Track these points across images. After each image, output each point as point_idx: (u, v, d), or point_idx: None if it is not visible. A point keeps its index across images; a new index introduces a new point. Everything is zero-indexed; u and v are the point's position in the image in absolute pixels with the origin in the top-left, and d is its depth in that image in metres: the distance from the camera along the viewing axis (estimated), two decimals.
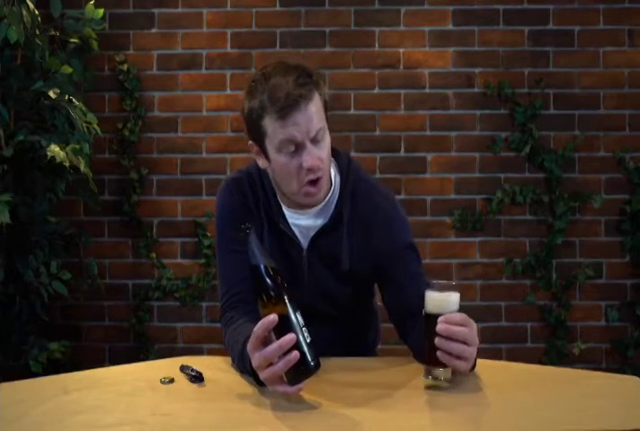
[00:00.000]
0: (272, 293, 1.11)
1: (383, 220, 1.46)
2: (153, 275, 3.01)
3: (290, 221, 1.46)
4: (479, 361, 1.45)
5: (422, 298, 1.24)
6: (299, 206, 1.44)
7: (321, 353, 1.15)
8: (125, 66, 2.99)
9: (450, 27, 3.00)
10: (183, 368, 1.29)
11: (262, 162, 1.42)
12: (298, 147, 1.33)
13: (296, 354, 1.07)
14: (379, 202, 1.48)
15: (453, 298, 1.22)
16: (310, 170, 1.33)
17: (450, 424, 1.02)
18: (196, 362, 1.33)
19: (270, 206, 1.46)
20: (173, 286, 2.99)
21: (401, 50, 3.00)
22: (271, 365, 1.10)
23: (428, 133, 3.01)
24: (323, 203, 1.46)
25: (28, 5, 2.43)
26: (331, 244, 1.45)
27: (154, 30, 3.03)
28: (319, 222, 1.46)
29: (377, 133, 2.98)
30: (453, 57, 3.00)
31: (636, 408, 1.09)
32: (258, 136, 1.37)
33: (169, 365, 1.34)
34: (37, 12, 2.50)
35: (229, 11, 3.02)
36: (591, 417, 1.04)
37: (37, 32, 2.48)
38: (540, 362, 2.90)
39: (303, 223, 1.46)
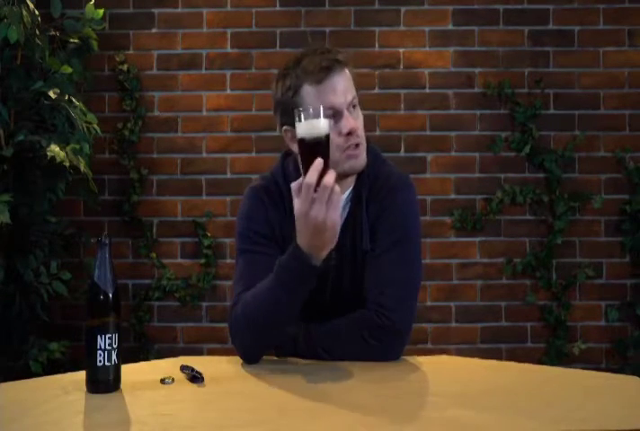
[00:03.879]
0: (94, 307, 1.17)
1: (384, 189, 1.46)
2: (153, 275, 3.01)
3: None
4: (479, 361, 1.45)
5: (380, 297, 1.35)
6: None
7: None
8: (125, 66, 2.99)
9: (450, 27, 3.00)
10: (183, 368, 1.29)
11: (295, 147, 1.41)
12: (336, 115, 1.37)
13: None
14: (385, 175, 1.48)
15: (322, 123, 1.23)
16: (350, 133, 1.36)
17: (449, 424, 1.02)
18: (196, 362, 1.33)
19: None
20: (173, 286, 2.99)
21: (401, 50, 3.00)
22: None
23: (428, 133, 3.01)
24: (348, 191, 1.46)
25: (28, 5, 2.43)
26: (355, 232, 1.45)
27: (154, 30, 3.03)
28: (346, 212, 1.47)
29: (378, 133, 2.98)
30: (453, 57, 3.00)
31: (636, 408, 1.09)
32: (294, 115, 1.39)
33: (169, 365, 1.34)
34: (37, 12, 2.50)
35: (229, 11, 3.02)
36: (591, 417, 1.04)
37: (37, 32, 2.48)
38: (540, 362, 2.90)
39: None
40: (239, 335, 1.37)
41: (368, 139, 1.48)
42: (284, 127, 1.44)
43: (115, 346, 1.16)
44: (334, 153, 1.37)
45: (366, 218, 1.45)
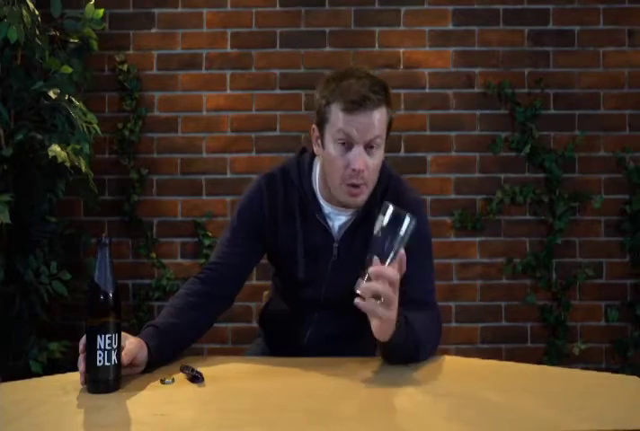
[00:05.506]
0: (94, 307, 1.17)
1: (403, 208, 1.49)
2: (153, 275, 3.02)
3: (327, 213, 1.53)
4: (479, 361, 1.45)
5: (421, 290, 1.40)
6: (340, 205, 1.50)
7: (325, 347, 1.32)
8: (125, 66, 2.99)
9: (450, 27, 3.00)
10: (183, 368, 1.29)
11: (317, 149, 1.49)
12: (351, 145, 1.40)
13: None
14: (402, 192, 1.53)
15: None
16: (355, 171, 1.39)
17: (449, 424, 1.02)
18: (196, 362, 1.33)
19: (307, 199, 1.52)
20: (173, 286, 2.99)
21: (401, 50, 3.01)
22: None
23: (428, 133, 3.01)
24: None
25: (28, 5, 2.43)
26: (362, 237, 1.49)
27: (154, 30, 3.03)
28: (354, 218, 1.53)
29: None
30: (453, 57, 3.00)
31: (636, 408, 1.09)
32: (321, 121, 1.44)
33: (169, 365, 1.34)
34: (37, 12, 2.50)
35: (229, 11, 3.02)
36: (591, 417, 1.04)
37: (37, 32, 2.48)
38: (540, 362, 2.90)
39: (342, 219, 1.53)
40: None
41: (387, 172, 1.53)
42: (313, 126, 1.49)
43: (115, 346, 1.16)
44: (335, 177, 1.44)
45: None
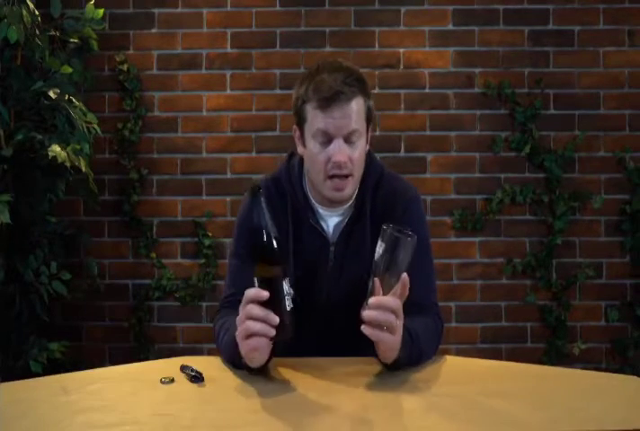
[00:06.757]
0: (268, 255, 1.15)
1: (400, 206, 1.51)
2: (153, 275, 3.01)
3: (321, 215, 1.52)
4: (479, 361, 1.45)
5: (421, 291, 1.36)
6: (330, 204, 1.50)
7: (325, 347, 1.33)
8: (125, 66, 2.99)
9: (450, 27, 3.00)
10: (183, 368, 1.29)
11: (300, 149, 1.49)
12: (330, 140, 1.40)
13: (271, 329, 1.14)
14: (399, 190, 1.53)
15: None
16: (336, 163, 1.39)
17: (450, 424, 1.02)
18: (196, 362, 1.33)
19: (299, 204, 1.52)
20: (173, 286, 2.99)
21: (401, 50, 3.01)
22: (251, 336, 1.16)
23: (428, 133, 3.01)
24: (352, 200, 1.51)
25: (28, 5, 2.43)
26: (357, 236, 1.50)
27: (154, 30, 3.03)
28: (348, 217, 1.52)
29: (377, 133, 2.98)
30: (453, 57, 3.00)
31: (636, 408, 1.09)
32: (300, 120, 1.45)
33: (169, 365, 1.34)
34: (37, 12, 2.50)
35: (229, 11, 3.02)
36: (591, 417, 1.04)
37: (37, 32, 2.48)
38: (540, 362, 2.90)
39: (335, 219, 1.52)
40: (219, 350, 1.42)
41: (380, 168, 1.53)
42: (294, 126, 1.49)
43: (290, 291, 1.17)
44: (318, 173, 1.43)
45: (369, 230, 1.49)
